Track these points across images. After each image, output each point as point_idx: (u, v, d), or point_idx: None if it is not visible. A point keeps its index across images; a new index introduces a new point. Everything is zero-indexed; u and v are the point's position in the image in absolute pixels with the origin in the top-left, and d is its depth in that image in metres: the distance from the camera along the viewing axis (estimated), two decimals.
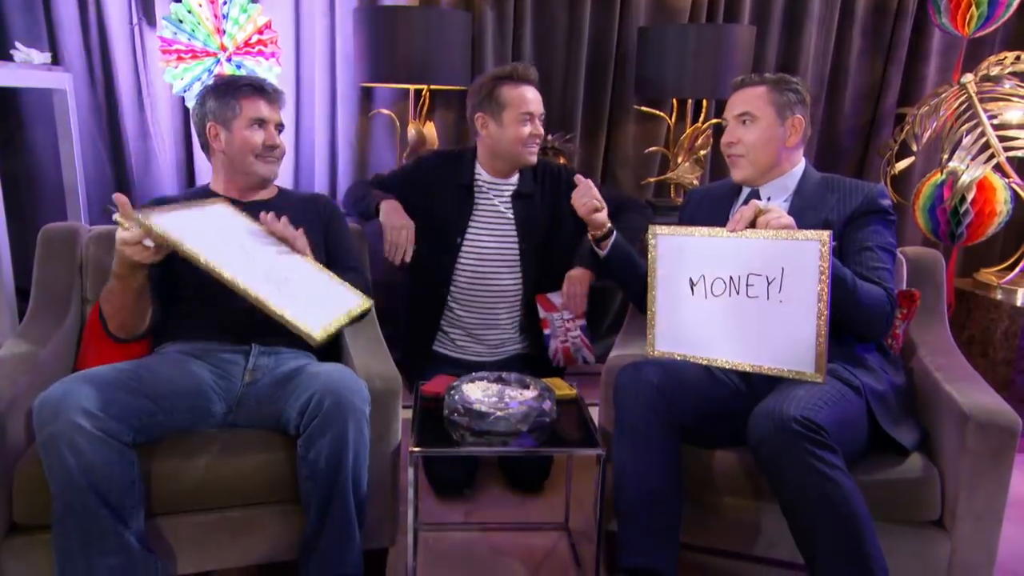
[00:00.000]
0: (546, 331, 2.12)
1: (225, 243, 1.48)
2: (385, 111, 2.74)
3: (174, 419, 1.47)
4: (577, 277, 2.06)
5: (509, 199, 2.16)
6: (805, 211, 1.64)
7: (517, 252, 2.16)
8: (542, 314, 2.12)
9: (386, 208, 2.08)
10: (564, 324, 2.11)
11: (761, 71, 2.77)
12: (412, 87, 2.61)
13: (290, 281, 1.50)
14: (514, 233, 2.15)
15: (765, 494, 1.53)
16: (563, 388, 1.80)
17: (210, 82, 1.77)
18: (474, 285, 2.17)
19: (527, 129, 2.06)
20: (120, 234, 1.39)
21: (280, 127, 1.75)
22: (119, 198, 1.38)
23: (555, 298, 2.10)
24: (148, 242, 1.37)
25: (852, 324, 1.56)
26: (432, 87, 2.58)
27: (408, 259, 2.04)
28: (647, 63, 2.63)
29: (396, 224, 2.04)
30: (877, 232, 1.62)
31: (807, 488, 1.32)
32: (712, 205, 1.83)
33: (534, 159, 2.12)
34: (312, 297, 1.52)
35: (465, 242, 2.14)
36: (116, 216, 1.39)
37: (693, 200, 1.93)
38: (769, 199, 1.70)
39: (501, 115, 2.06)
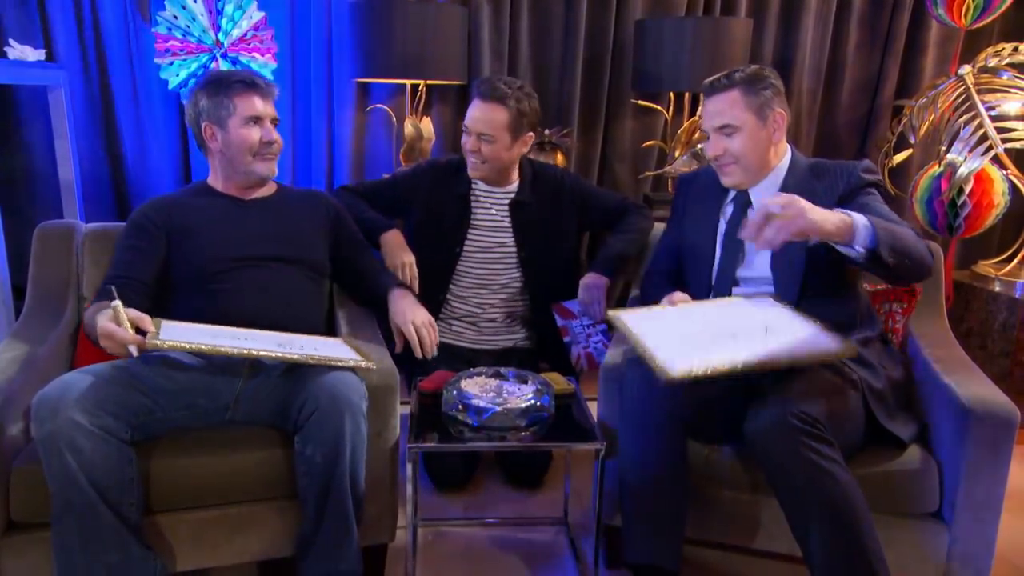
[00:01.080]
0: (566, 339, 2.11)
1: (224, 337, 1.44)
2: (382, 106, 2.73)
3: (172, 416, 1.48)
4: (593, 284, 2.03)
5: (507, 207, 2.14)
6: None
7: (516, 259, 2.15)
8: (560, 322, 2.10)
9: (389, 241, 2.04)
10: (585, 331, 2.09)
11: (758, 64, 2.76)
12: (408, 82, 2.60)
13: (295, 343, 1.50)
14: (512, 241, 2.14)
15: (764, 488, 1.53)
16: (561, 383, 1.79)
17: (200, 78, 1.71)
18: (473, 286, 2.17)
19: (463, 141, 2.06)
20: (105, 324, 1.30)
21: (275, 122, 1.73)
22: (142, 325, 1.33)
23: (572, 305, 2.07)
24: (133, 350, 1.30)
25: (903, 276, 1.48)
26: (428, 82, 2.57)
27: (417, 293, 1.97)
28: (644, 56, 2.62)
29: (399, 262, 1.98)
30: (874, 197, 1.60)
31: (804, 481, 1.32)
32: (700, 194, 1.81)
33: (472, 173, 2.09)
34: (321, 345, 1.54)
35: (464, 252, 2.14)
36: (115, 303, 1.33)
37: (684, 185, 1.91)
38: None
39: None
